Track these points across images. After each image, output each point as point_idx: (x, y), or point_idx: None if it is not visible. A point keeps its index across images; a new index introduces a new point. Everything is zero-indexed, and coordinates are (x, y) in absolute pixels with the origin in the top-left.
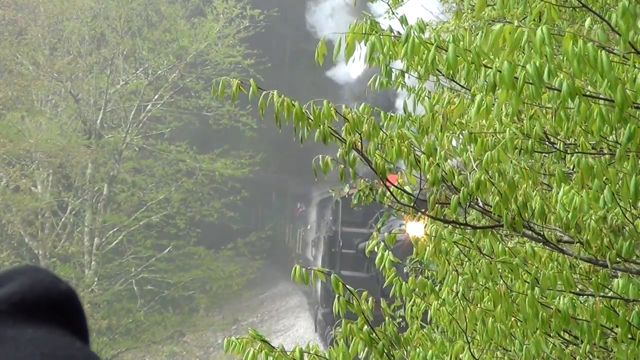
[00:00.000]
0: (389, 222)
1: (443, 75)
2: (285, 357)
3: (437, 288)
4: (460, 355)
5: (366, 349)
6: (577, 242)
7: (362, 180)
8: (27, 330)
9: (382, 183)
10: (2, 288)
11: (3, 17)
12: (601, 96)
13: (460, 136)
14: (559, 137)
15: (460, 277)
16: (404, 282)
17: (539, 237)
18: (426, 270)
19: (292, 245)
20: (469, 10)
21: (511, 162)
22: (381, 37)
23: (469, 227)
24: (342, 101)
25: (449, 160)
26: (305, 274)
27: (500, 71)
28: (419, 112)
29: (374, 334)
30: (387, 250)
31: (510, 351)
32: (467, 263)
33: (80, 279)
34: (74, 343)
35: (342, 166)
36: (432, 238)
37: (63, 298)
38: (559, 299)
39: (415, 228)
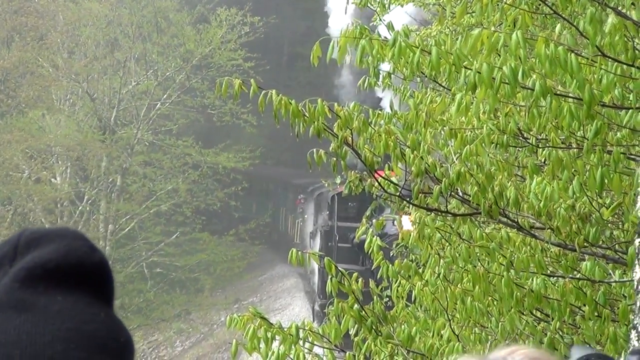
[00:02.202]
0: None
1: (426, 76)
2: (282, 333)
3: (420, 270)
4: (442, 331)
5: (356, 325)
6: (548, 228)
7: (353, 172)
8: (56, 299)
9: (370, 174)
10: (40, 249)
11: (26, 24)
12: (570, 95)
13: (442, 132)
14: (531, 133)
15: (441, 260)
16: (390, 265)
17: (514, 223)
18: (411, 254)
19: (292, 235)
20: (450, 17)
21: (488, 155)
22: (371, 40)
23: (450, 215)
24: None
25: (431, 154)
26: (301, 257)
27: (479, 72)
28: (404, 110)
29: (364, 312)
30: (375, 236)
31: (487, 327)
32: (448, 247)
33: None
34: (99, 314)
35: (335, 159)
36: (416, 225)
37: (95, 268)
38: (532, 280)
39: (408, 223)
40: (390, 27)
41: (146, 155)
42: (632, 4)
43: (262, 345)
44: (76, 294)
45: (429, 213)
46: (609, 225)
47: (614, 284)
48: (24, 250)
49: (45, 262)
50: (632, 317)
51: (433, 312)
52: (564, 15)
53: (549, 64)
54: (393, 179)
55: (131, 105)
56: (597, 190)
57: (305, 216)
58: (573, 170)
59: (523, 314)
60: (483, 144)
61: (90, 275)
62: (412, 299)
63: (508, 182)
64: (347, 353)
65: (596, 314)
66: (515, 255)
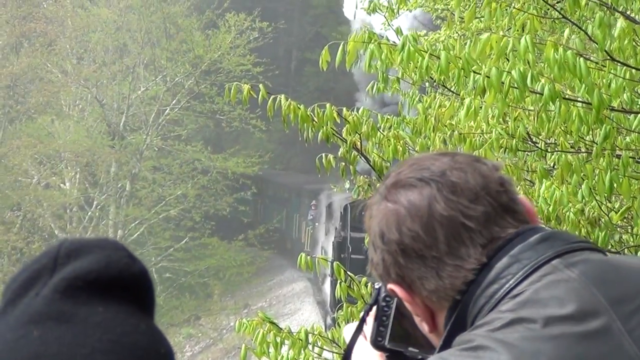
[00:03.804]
0: None
1: (435, 80)
2: (291, 337)
3: None
4: None
5: None
6: None
7: (362, 176)
8: (97, 309)
9: (380, 179)
10: (80, 260)
11: (35, 30)
12: (579, 99)
13: (451, 136)
14: (540, 137)
15: None
16: None
17: None
18: None
19: (303, 241)
20: (459, 22)
21: (497, 159)
22: (380, 45)
23: None
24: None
25: None
26: (310, 262)
27: (488, 77)
28: (413, 115)
29: None
30: None
31: None
32: None
33: None
34: (139, 325)
35: (344, 164)
36: None
37: (135, 279)
38: None
39: None
40: (399, 32)
41: (155, 160)
42: None
43: (272, 350)
44: (117, 305)
45: None
46: (618, 229)
47: None
48: (64, 261)
49: (86, 273)
50: None
51: None
52: (572, 20)
53: (557, 68)
54: None
55: (140, 111)
56: (606, 195)
57: (317, 224)
58: (582, 174)
59: None
60: (492, 149)
61: (130, 286)
62: None
63: (517, 187)
64: None
65: None
66: None
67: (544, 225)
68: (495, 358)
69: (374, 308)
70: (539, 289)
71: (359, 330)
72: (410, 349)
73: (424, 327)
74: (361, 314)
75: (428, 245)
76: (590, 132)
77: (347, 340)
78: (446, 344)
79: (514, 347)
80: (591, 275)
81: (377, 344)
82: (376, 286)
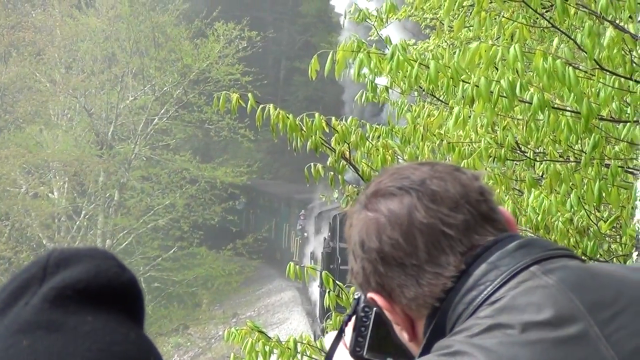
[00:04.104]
0: None
1: (424, 89)
2: (280, 347)
3: None
4: None
5: None
6: None
7: (350, 186)
8: (87, 319)
9: None
10: (69, 269)
11: (23, 39)
12: (568, 108)
13: (440, 145)
14: (529, 146)
15: None
16: None
17: None
18: None
19: (292, 251)
20: (448, 31)
21: (486, 169)
22: (369, 54)
23: None
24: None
25: None
26: (299, 271)
27: (477, 86)
28: (402, 124)
29: None
30: None
31: None
32: None
33: None
34: (129, 334)
35: (332, 173)
36: None
37: (125, 288)
38: None
39: None
40: (387, 41)
41: (144, 170)
42: (630, 17)
43: (260, 359)
44: (106, 314)
45: None
46: (607, 238)
47: None
48: (53, 271)
49: (75, 283)
50: None
51: None
52: (561, 29)
53: (546, 77)
54: None
55: (129, 120)
56: (594, 204)
57: (305, 234)
58: (571, 183)
59: None
60: (481, 158)
61: (120, 295)
62: None
63: (506, 196)
64: None
65: None
66: None
67: (531, 234)
68: None
69: (353, 318)
70: (516, 295)
71: (337, 339)
72: (389, 359)
73: (404, 336)
74: (340, 324)
75: (408, 253)
76: (579, 142)
77: (327, 349)
78: (425, 351)
79: (492, 352)
80: (569, 281)
81: (355, 354)
82: (355, 296)
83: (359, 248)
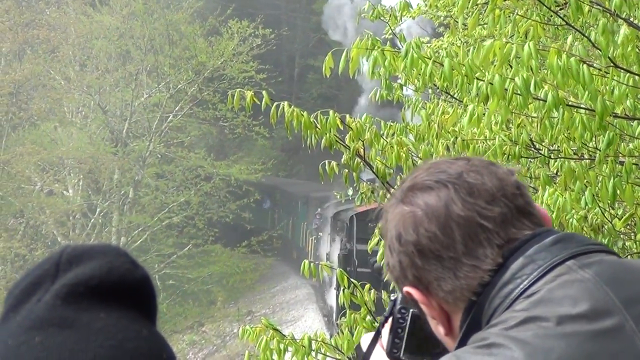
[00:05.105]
0: None
1: (438, 87)
2: (295, 344)
3: None
4: None
5: None
6: None
7: (365, 183)
8: (99, 315)
9: (384, 186)
10: (82, 266)
11: (37, 37)
12: (582, 106)
13: (454, 143)
14: (543, 144)
15: None
16: None
17: None
18: None
19: (307, 251)
20: (462, 29)
21: None
22: (384, 52)
23: None
24: (347, 112)
25: None
26: (313, 269)
27: (491, 83)
28: (416, 122)
29: (376, 323)
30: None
31: None
32: None
33: None
34: (142, 331)
35: (347, 171)
36: None
37: (137, 285)
38: None
39: None
40: (402, 38)
41: (158, 167)
42: None
43: (275, 357)
44: (119, 311)
45: None
46: (622, 236)
47: None
48: (65, 268)
49: (88, 279)
50: None
51: None
52: (575, 27)
53: (561, 75)
54: None
55: (143, 118)
56: (609, 201)
57: (320, 234)
58: (585, 181)
59: None
60: (495, 155)
61: (132, 292)
62: None
63: None
64: None
65: None
66: None
67: None
68: (509, 355)
69: (390, 320)
70: (553, 289)
71: (374, 341)
72: None
73: (440, 331)
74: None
75: (445, 246)
76: (594, 139)
77: (364, 351)
78: (461, 344)
79: (527, 345)
80: (605, 276)
81: (392, 355)
82: (392, 298)
83: (396, 241)
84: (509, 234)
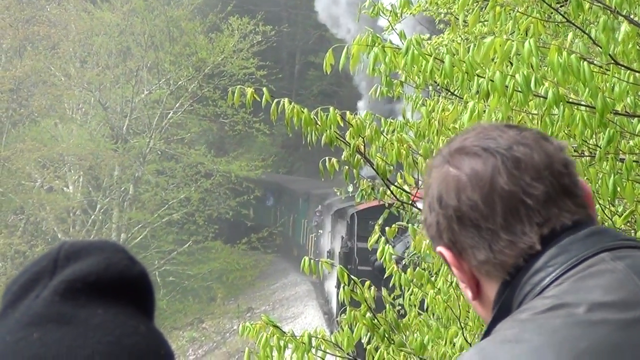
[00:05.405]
0: (405, 237)
1: (438, 84)
2: (295, 341)
3: (433, 279)
4: (455, 340)
5: (369, 333)
6: None
7: (365, 180)
8: (97, 312)
9: (384, 183)
10: (80, 262)
11: (38, 33)
12: (583, 103)
13: None
14: None
15: None
16: (403, 274)
17: None
18: (423, 263)
19: (307, 248)
20: (463, 26)
21: None
22: (384, 48)
23: None
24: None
25: None
26: (313, 265)
27: (492, 80)
28: (417, 119)
29: (376, 320)
30: (387, 244)
31: None
32: None
33: None
34: (140, 327)
35: (347, 168)
36: None
37: (135, 281)
38: None
39: None
40: (402, 35)
41: (158, 164)
42: None
43: (275, 353)
44: (116, 307)
45: None
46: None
47: None
48: (63, 264)
49: (86, 275)
50: None
51: (445, 320)
52: (576, 24)
53: (561, 72)
54: (405, 187)
55: (143, 114)
56: (609, 198)
57: (320, 231)
58: (585, 178)
59: None
60: None
61: (130, 288)
62: (425, 308)
63: None
64: None
65: None
66: None
67: None
68: (536, 345)
69: None
70: (584, 277)
71: None
72: None
73: (468, 294)
74: None
75: (485, 217)
76: (594, 136)
77: None
78: (492, 325)
79: (555, 333)
80: (637, 268)
81: None
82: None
83: (436, 202)
84: (550, 213)
